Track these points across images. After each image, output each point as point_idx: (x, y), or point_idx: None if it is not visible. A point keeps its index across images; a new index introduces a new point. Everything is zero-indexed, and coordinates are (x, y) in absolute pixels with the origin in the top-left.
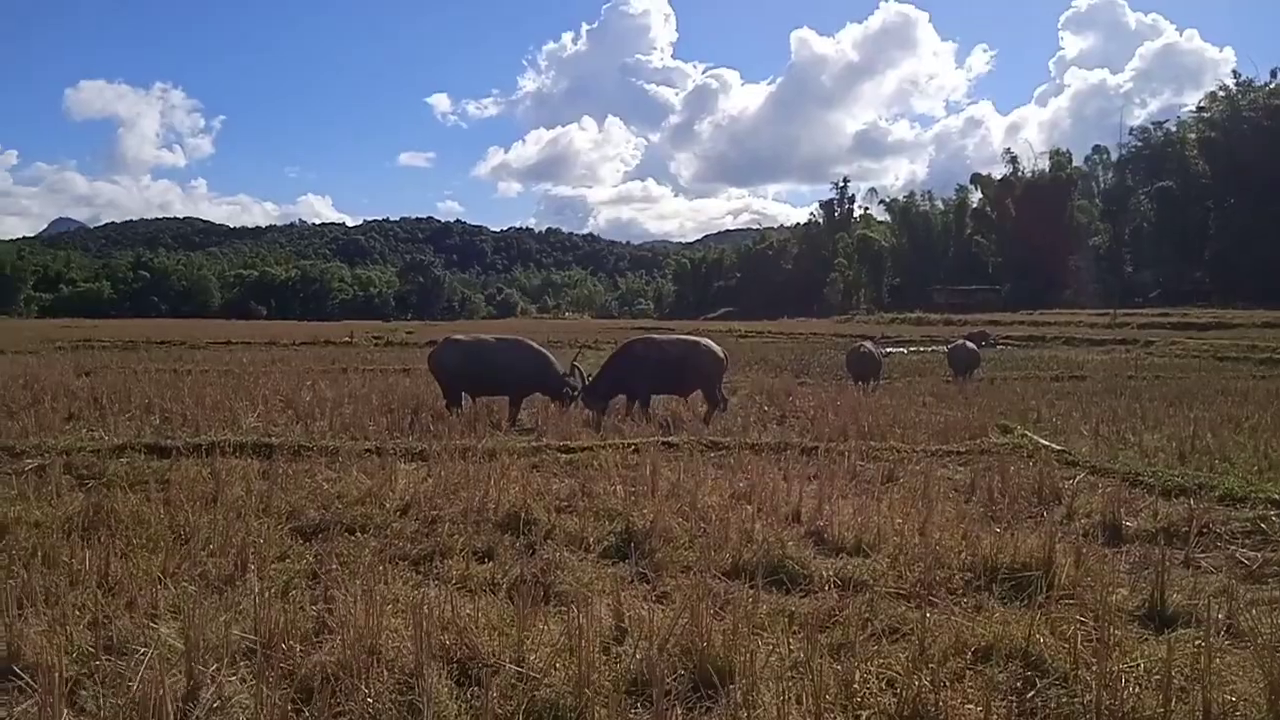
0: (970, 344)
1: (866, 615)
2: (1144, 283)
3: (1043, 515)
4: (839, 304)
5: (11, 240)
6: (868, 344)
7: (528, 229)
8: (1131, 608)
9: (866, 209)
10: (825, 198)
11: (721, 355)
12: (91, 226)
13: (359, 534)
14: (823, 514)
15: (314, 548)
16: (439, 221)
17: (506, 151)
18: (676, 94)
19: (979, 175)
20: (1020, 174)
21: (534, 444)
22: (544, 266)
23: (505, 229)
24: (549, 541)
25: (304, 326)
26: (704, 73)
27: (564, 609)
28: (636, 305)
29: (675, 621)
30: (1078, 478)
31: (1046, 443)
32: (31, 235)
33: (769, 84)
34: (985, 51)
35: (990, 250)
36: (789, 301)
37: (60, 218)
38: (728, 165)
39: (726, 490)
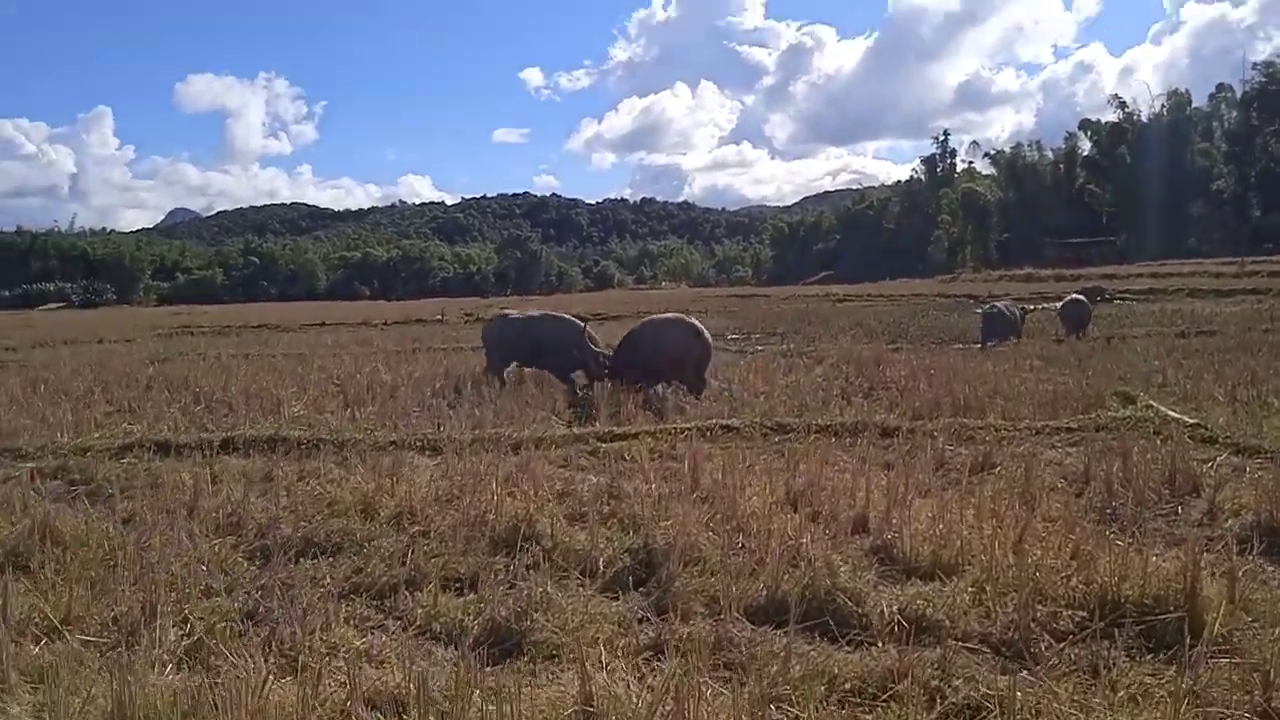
0: (1082, 298)
1: (935, 681)
2: (1274, 227)
3: (1177, 513)
4: (944, 263)
5: (131, 232)
6: (1000, 304)
7: (623, 200)
8: None
9: (970, 163)
10: (927, 154)
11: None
12: (205, 215)
13: (333, 555)
14: (893, 520)
15: (265, 576)
16: (535, 196)
17: (600, 123)
18: (770, 54)
19: (1088, 121)
20: (1135, 117)
21: (573, 431)
22: (639, 237)
23: (600, 201)
24: (550, 563)
25: (399, 306)
26: (798, 31)
27: (531, 668)
28: (734, 272)
29: (655, 707)
30: (1218, 460)
31: (1176, 414)
32: (150, 226)
33: (866, 38)
34: None
35: (1104, 200)
36: (891, 262)
37: (176, 208)
38: (825, 125)
39: (781, 488)
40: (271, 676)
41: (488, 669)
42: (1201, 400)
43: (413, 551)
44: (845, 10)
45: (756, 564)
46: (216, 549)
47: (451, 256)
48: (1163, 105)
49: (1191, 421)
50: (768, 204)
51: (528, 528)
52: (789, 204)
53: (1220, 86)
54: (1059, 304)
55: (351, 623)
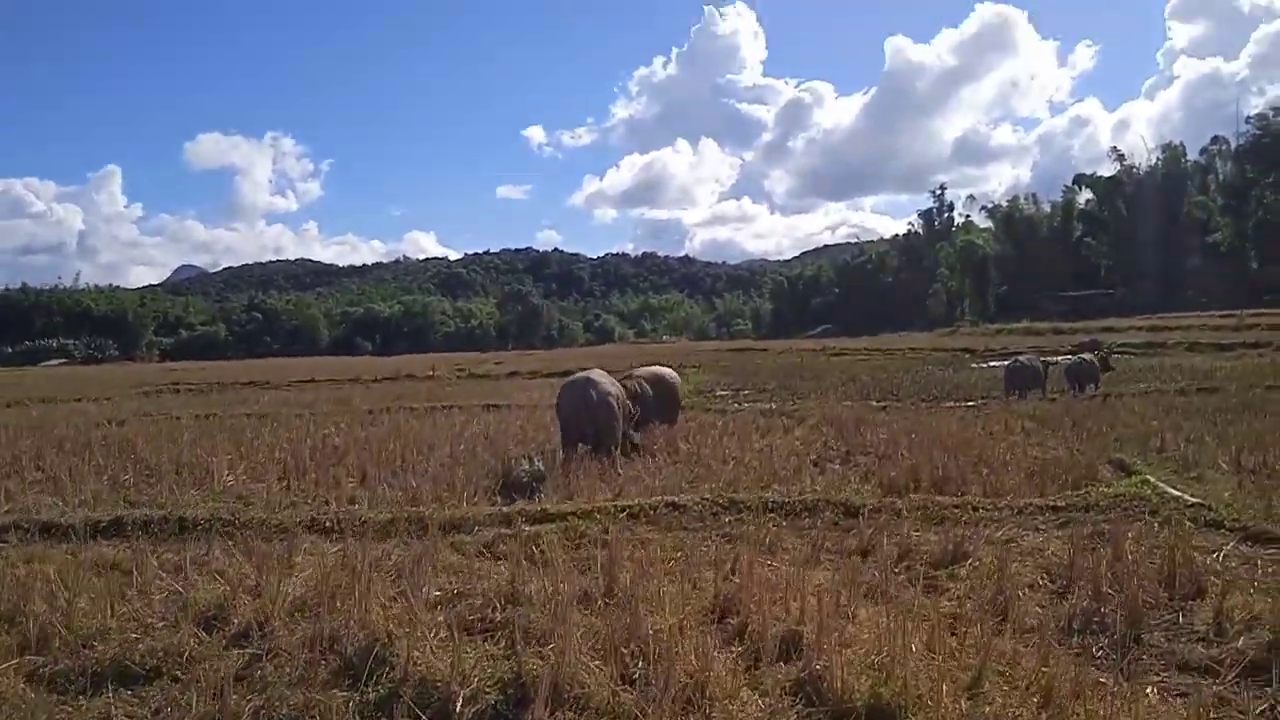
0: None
1: None
2: (1272, 279)
3: (1178, 621)
4: (942, 316)
5: (138, 288)
6: (1023, 357)
7: (624, 254)
8: None
9: (967, 216)
10: (924, 208)
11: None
12: (211, 272)
13: (146, 683)
14: (828, 641)
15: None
16: (537, 251)
17: (601, 179)
18: (769, 111)
19: (1083, 175)
20: (1133, 170)
21: (500, 510)
22: (641, 291)
23: (602, 255)
24: (398, 700)
25: (392, 361)
26: (796, 88)
27: None
28: (735, 326)
29: None
30: (1225, 550)
31: (1176, 492)
32: (157, 283)
33: (863, 95)
34: (1089, 47)
35: (1101, 253)
36: (890, 315)
37: (183, 265)
38: (823, 180)
39: (710, 590)
40: None
41: None
42: (1204, 469)
43: (250, 674)
44: (843, 67)
45: (646, 707)
46: (7, 674)
47: (453, 311)
48: (1158, 158)
49: (1193, 501)
50: (768, 258)
51: (385, 648)
52: (788, 258)
53: (1215, 139)
54: (1063, 360)
55: None
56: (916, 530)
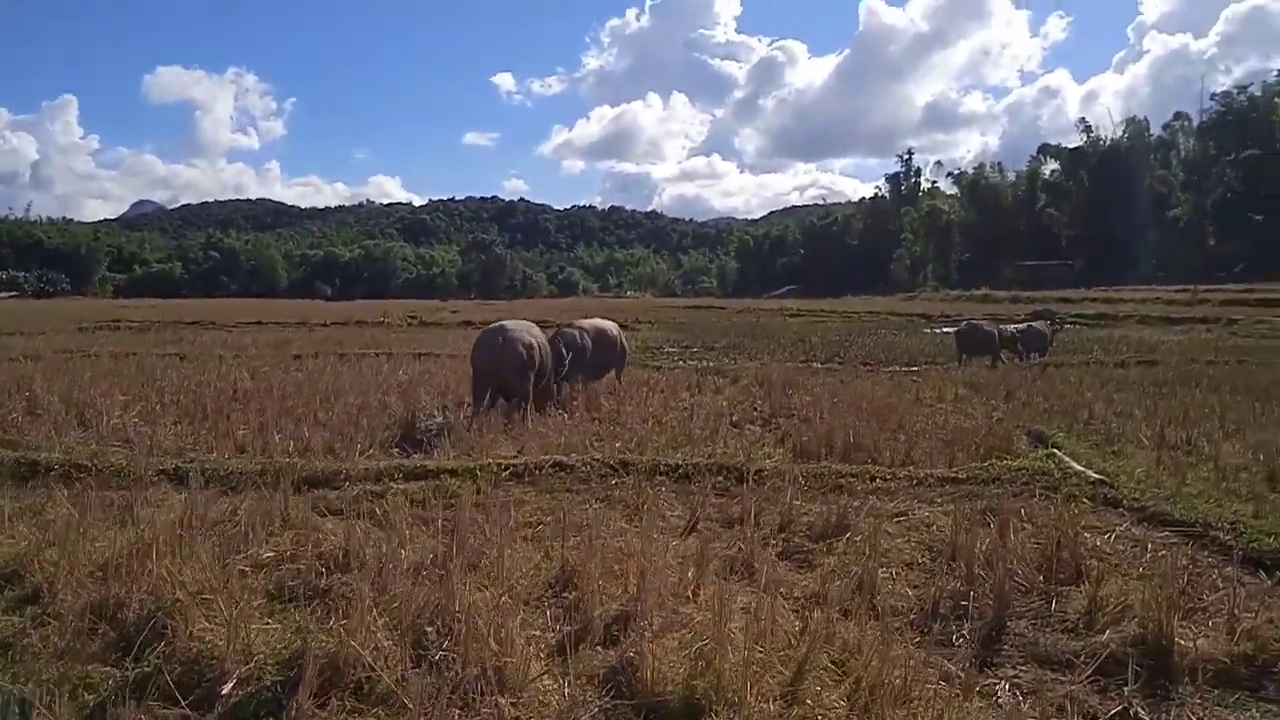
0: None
1: None
2: (1228, 256)
3: (1050, 609)
4: (905, 281)
5: (93, 222)
6: (975, 320)
7: (591, 207)
8: None
9: (934, 182)
10: (892, 172)
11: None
12: (169, 208)
13: None
14: (654, 623)
15: None
16: (503, 200)
17: (570, 130)
18: (741, 68)
19: (1048, 145)
20: (1098, 142)
21: (378, 465)
22: (607, 245)
23: (569, 207)
24: (168, 674)
25: (344, 307)
26: (769, 46)
27: None
28: (700, 283)
29: None
30: (1117, 531)
31: (1080, 467)
32: (113, 218)
33: (837, 56)
34: (1061, 19)
35: (1063, 224)
36: (854, 279)
37: (141, 200)
38: (794, 140)
39: (558, 561)
40: None
41: None
42: (1125, 441)
43: (10, 650)
44: (817, 27)
45: (427, 698)
46: None
47: (415, 258)
48: (1122, 132)
49: (1095, 477)
50: (736, 216)
51: (167, 618)
52: (756, 217)
53: (1177, 115)
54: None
55: None
56: (799, 500)
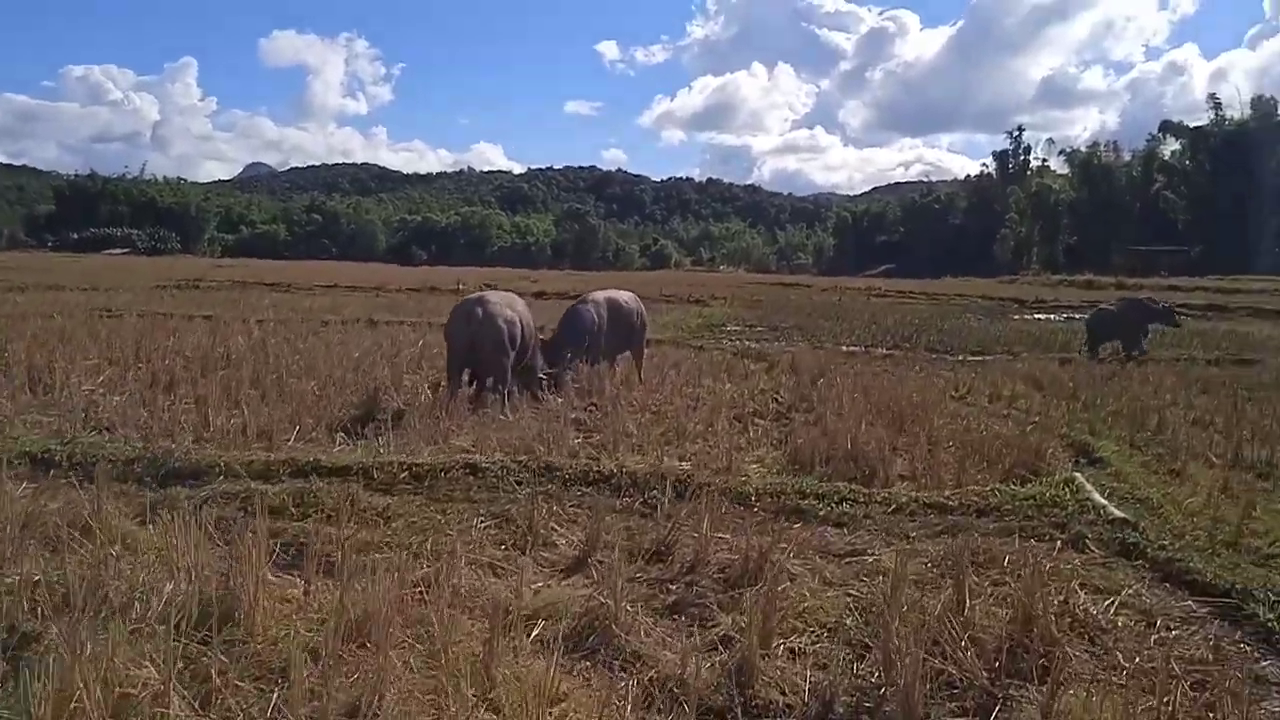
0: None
1: None
2: None
3: None
4: (1008, 263)
5: (208, 183)
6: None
7: (688, 179)
8: None
9: (1044, 160)
10: (1001, 149)
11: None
12: (279, 171)
13: None
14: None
15: None
16: (600, 170)
17: (672, 100)
18: (849, 39)
19: (1169, 123)
20: (1224, 121)
21: (294, 460)
22: (703, 218)
23: (665, 179)
24: None
25: (425, 272)
26: (880, 16)
27: None
28: (795, 260)
29: None
30: (1122, 596)
31: (1101, 499)
32: (227, 179)
33: (950, 27)
34: None
35: (1180, 207)
36: (956, 259)
37: (253, 162)
38: (901, 114)
39: (356, 607)
40: None
41: None
42: (1193, 457)
43: None
44: None
45: None
46: None
47: (510, 226)
48: (1248, 113)
49: (1116, 515)
50: (837, 191)
51: None
52: (858, 193)
53: None
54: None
55: None
56: (724, 532)
